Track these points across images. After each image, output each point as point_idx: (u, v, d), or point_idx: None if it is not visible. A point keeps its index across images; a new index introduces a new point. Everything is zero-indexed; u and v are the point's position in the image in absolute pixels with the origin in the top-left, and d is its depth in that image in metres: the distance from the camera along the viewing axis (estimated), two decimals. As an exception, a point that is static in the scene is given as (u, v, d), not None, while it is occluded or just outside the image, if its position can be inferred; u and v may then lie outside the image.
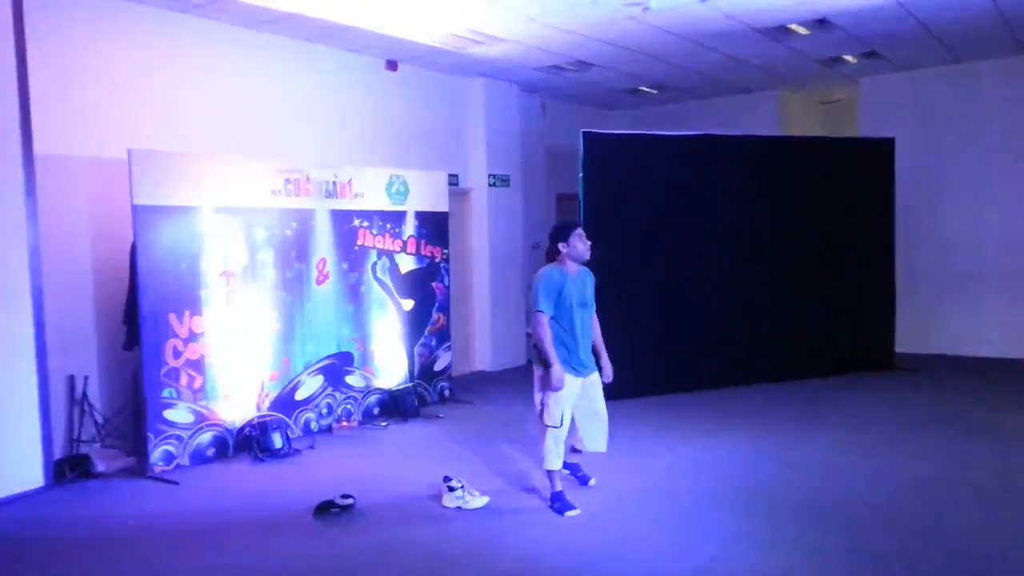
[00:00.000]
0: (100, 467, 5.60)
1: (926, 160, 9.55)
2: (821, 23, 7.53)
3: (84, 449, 5.75)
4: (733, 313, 8.16)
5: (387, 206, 7.39)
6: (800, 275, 8.41)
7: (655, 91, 10.45)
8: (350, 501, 4.83)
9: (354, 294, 7.14)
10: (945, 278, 9.57)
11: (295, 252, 6.62)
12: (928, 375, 8.50)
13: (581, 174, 7.52)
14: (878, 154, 8.76)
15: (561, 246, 4.78)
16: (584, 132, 7.56)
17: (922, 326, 9.52)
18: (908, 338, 9.25)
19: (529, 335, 4.88)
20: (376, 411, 7.30)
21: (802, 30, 7.73)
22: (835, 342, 8.54)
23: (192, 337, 5.86)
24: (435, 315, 7.89)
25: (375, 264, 7.32)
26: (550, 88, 10.12)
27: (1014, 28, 7.93)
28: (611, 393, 7.38)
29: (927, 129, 9.59)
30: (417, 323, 7.72)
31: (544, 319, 4.66)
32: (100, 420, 5.93)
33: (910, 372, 8.59)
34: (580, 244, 4.78)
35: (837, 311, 8.55)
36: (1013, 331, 9.20)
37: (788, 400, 7.49)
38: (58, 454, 5.61)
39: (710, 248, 8.05)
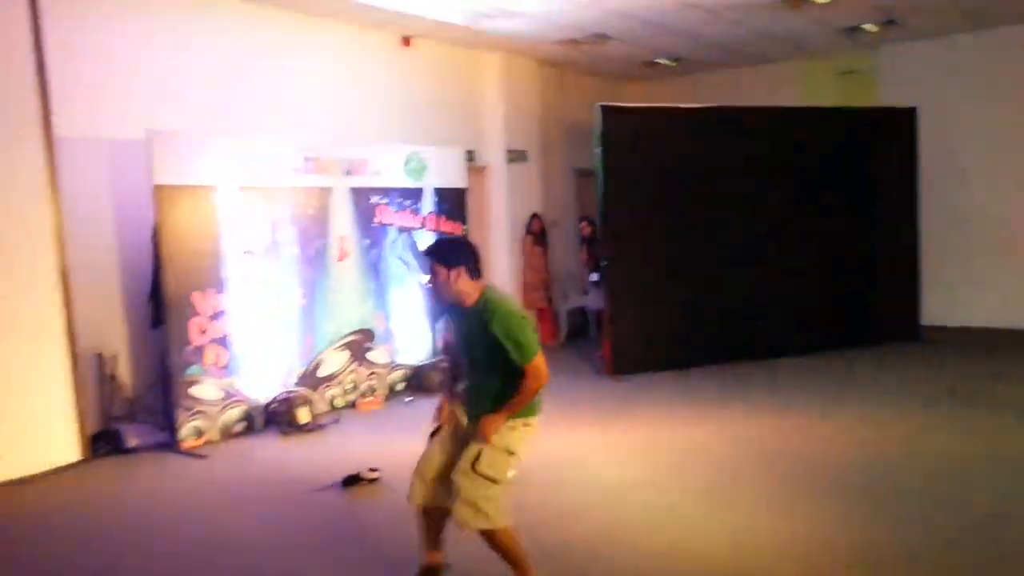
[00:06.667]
0: (131, 442, 5.71)
1: (949, 129, 9.41)
2: (841, -10, 7.43)
3: (116, 425, 5.85)
4: (754, 287, 8.12)
5: (405, 183, 7.41)
6: (822, 247, 8.35)
7: (673, 63, 10.36)
8: (377, 475, 4.89)
9: (375, 271, 7.18)
10: (970, 249, 9.45)
11: (316, 230, 6.66)
12: (953, 347, 8.44)
13: (598, 148, 7.49)
14: (900, 124, 8.67)
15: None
16: (601, 105, 7.53)
17: (947, 298, 9.42)
18: (933, 310, 9.17)
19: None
20: (400, 386, 7.37)
21: (821, -2, 7.63)
22: (860, 315, 8.49)
23: (216, 315, 5.93)
24: (455, 291, 7.91)
25: (395, 241, 7.35)
26: (567, 62, 10.06)
27: (1038, -9, 7.79)
28: (628, 368, 7.51)
29: (949, 97, 9.44)
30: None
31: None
32: (130, 397, 6.04)
33: (935, 344, 8.53)
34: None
35: (861, 283, 8.49)
36: (1039, 301, 9.10)
37: (812, 373, 7.47)
38: (91, 430, 5.72)
39: (730, 222, 8.01)
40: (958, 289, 9.48)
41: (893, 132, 8.65)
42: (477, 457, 3.15)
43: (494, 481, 3.15)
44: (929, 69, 9.57)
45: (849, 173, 8.41)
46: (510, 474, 3.23)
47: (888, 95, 9.76)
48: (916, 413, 6.02)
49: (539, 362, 3.16)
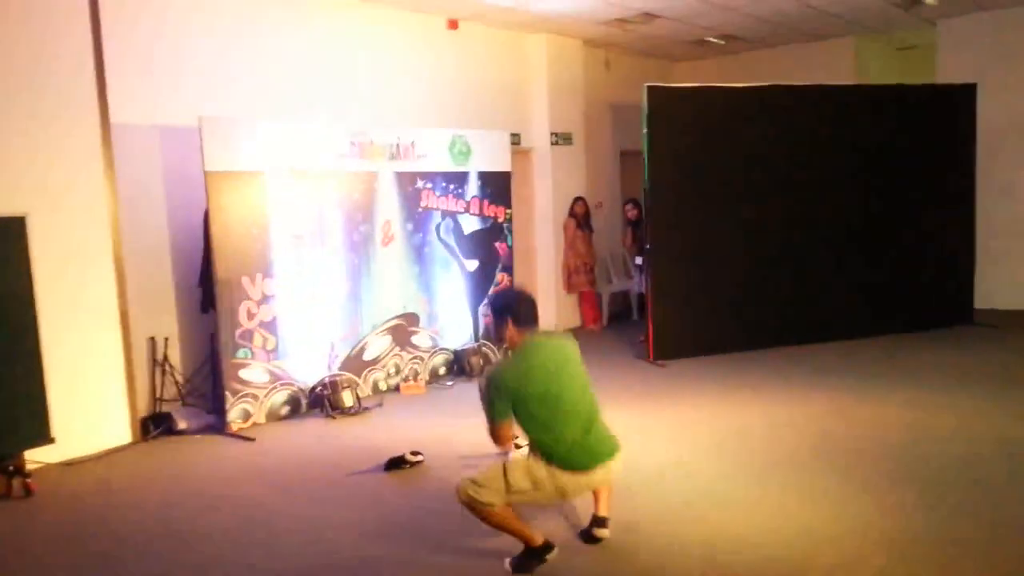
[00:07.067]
0: (181, 425, 5.84)
1: (1010, 106, 9.06)
2: (899, -36, 7.17)
3: (166, 408, 6.00)
4: (805, 270, 7.96)
5: (450, 167, 7.40)
6: (875, 229, 8.13)
7: (723, 41, 10.15)
8: (420, 458, 4.94)
9: (419, 255, 7.21)
10: (1028, 231, 9.13)
11: (361, 214, 6.71)
12: (1008, 331, 8.18)
13: (645, 129, 7.38)
14: (959, 101, 8.35)
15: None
16: (648, 86, 7.40)
17: (1002, 281, 9.13)
18: (987, 293, 8.90)
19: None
20: (442, 371, 7.41)
21: (879, -28, 7.37)
22: (912, 297, 8.26)
23: (265, 299, 6.02)
24: (499, 275, 7.92)
25: (439, 225, 7.36)
26: (614, 42, 9.93)
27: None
28: (671, 352, 7.43)
29: (1012, 73, 9.08)
30: (481, 283, 7.77)
31: None
32: (180, 380, 6.18)
33: (989, 328, 8.28)
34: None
35: (914, 265, 8.25)
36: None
37: (859, 358, 7.31)
38: (142, 413, 5.87)
39: (781, 204, 7.83)
40: (1014, 272, 9.16)
41: (951, 110, 8.34)
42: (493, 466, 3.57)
43: (479, 484, 3.44)
44: (991, 43, 9.20)
45: (903, 153, 8.14)
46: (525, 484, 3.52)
47: (947, 71, 9.42)
48: (966, 398, 5.85)
49: (495, 427, 3.52)
